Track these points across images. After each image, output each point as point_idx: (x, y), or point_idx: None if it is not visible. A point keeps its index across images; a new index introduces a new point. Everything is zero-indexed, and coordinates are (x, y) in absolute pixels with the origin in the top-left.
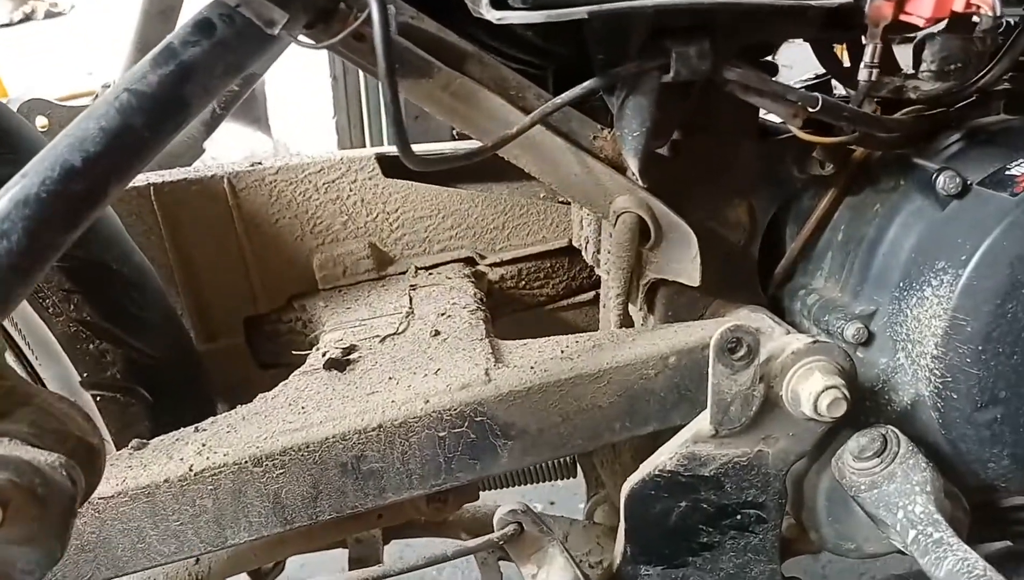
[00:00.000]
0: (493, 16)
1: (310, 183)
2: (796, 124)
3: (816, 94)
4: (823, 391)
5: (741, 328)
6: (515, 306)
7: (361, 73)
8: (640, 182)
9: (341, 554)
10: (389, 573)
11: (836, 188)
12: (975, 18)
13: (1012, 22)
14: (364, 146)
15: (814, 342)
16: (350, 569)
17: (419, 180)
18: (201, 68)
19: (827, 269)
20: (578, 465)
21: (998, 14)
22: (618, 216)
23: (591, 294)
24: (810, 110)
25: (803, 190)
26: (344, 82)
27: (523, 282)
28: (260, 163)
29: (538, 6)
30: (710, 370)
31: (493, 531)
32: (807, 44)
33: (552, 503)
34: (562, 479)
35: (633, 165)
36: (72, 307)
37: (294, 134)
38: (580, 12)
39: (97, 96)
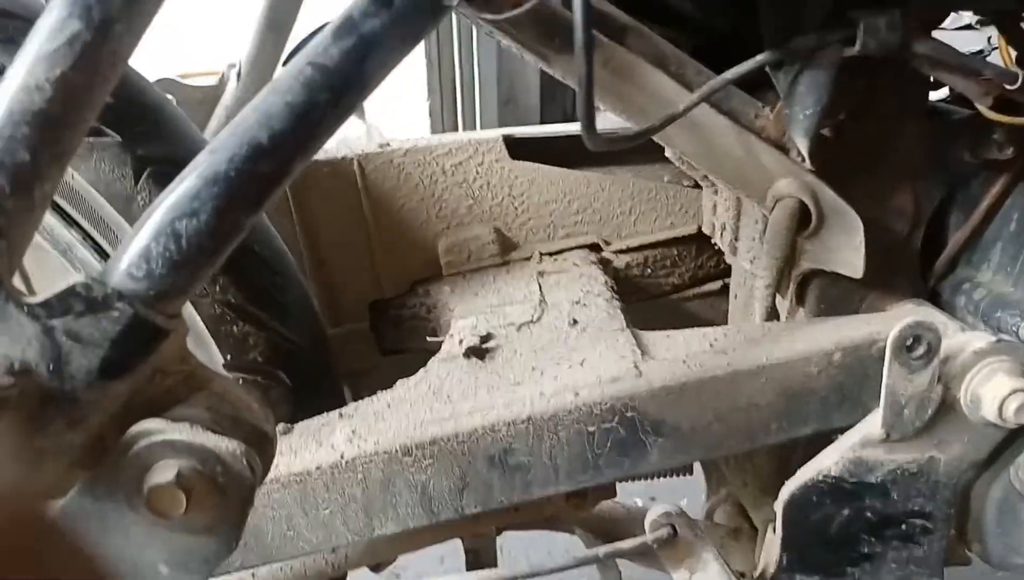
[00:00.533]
0: None
1: (437, 165)
2: (986, 103)
3: (1017, 70)
4: (1010, 395)
5: (922, 324)
6: (640, 295)
7: (456, 55)
8: (807, 164)
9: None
10: (538, 572)
11: (1011, 173)
12: None
13: None
14: (456, 129)
15: (998, 341)
16: (467, 560)
17: (546, 162)
18: (381, 41)
19: (995, 261)
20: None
21: None
22: (777, 201)
23: (718, 284)
24: (1007, 88)
25: (972, 176)
26: (439, 65)
27: (649, 270)
28: (388, 144)
29: None
30: (885, 369)
31: (610, 526)
32: None
33: (652, 499)
34: (678, 475)
35: (803, 146)
36: (218, 289)
37: (387, 116)
38: None
39: (223, 76)
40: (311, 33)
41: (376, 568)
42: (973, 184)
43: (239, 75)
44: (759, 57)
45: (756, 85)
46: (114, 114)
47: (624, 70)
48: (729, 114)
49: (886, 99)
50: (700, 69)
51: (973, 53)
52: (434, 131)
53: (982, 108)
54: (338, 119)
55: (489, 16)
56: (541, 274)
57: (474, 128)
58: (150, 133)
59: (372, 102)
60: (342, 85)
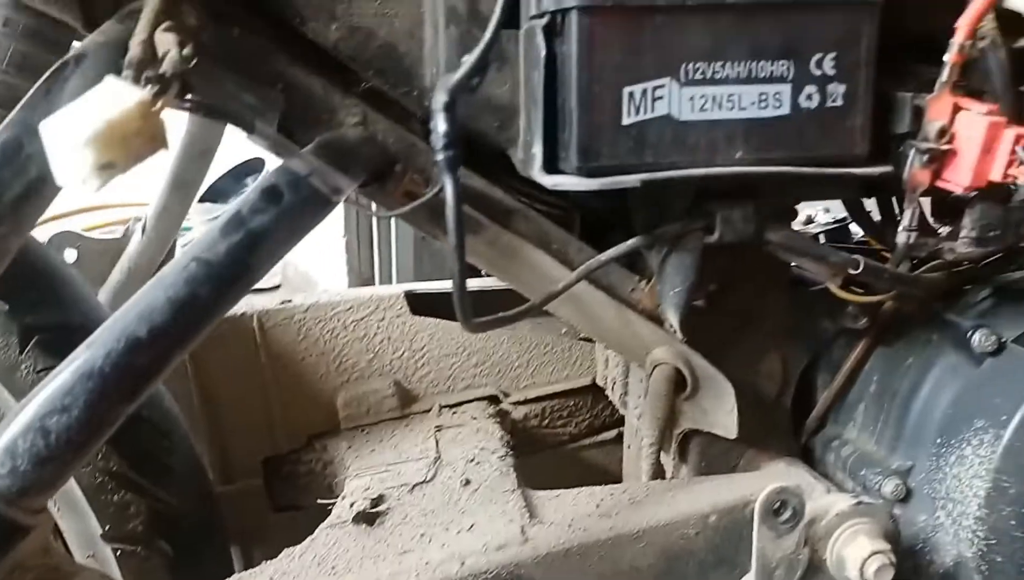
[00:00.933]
0: (547, 181)
1: (339, 321)
2: (836, 283)
3: (857, 257)
4: (870, 557)
5: (787, 490)
6: (538, 445)
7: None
8: (679, 335)
9: None
10: None
11: (868, 340)
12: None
13: None
14: (373, 265)
15: (858, 503)
16: None
17: (447, 317)
18: (268, 235)
19: (860, 421)
20: None
21: None
22: (655, 366)
23: (614, 432)
24: (851, 272)
25: (834, 341)
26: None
27: (547, 420)
28: (290, 300)
29: (593, 173)
30: (755, 533)
31: None
32: None
33: None
34: None
35: (673, 320)
36: (99, 457)
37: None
38: (633, 180)
39: (128, 229)
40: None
41: None
42: (835, 348)
43: (143, 229)
44: (630, 241)
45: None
46: (3, 282)
47: (509, 250)
48: (607, 288)
49: (752, 273)
50: (581, 247)
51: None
52: (350, 267)
53: (832, 287)
54: (220, 312)
55: (381, 213)
56: (439, 429)
57: (389, 264)
58: (40, 300)
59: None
60: (226, 279)
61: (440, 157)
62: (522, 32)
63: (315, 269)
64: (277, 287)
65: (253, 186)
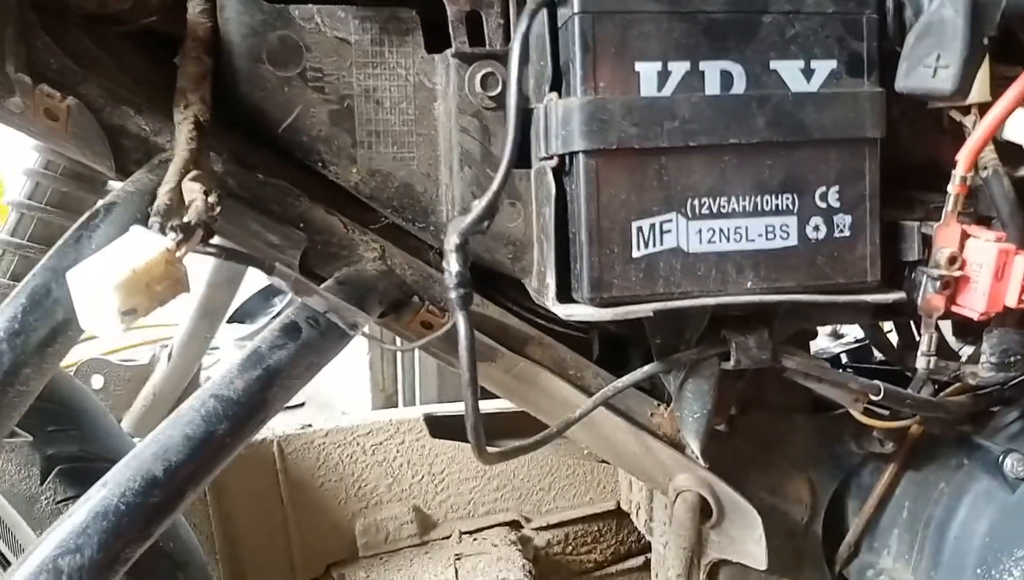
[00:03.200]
0: (561, 311)
1: (358, 445)
2: (858, 409)
3: (877, 383)
4: None
5: None
6: (562, 573)
7: None
8: (701, 461)
9: None
10: None
11: (897, 464)
12: None
13: None
14: (396, 384)
15: None
16: None
17: (467, 440)
18: (285, 371)
19: (894, 548)
20: None
21: None
22: (678, 494)
23: (640, 559)
24: (872, 398)
25: (863, 465)
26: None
27: (570, 547)
28: (310, 425)
29: (605, 304)
30: None
31: None
32: None
33: None
34: None
35: (694, 446)
36: None
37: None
38: (646, 310)
39: (155, 355)
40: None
41: None
42: (864, 473)
43: (169, 355)
44: (647, 367)
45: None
46: (28, 414)
47: (526, 377)
48: (625, 414)
49: (774, 395)
50: (598, 373)
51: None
52: (373, 383)
53: (854, 412)
54: (237, 448)
55: (403, 345)
56: (458, 557)
57: (413, 382)
58: (64, 432)
59: None
60: (243, 416)
61: (453, 295)
62: (533, 171)
63: (339, 387)
64: (301, 405)
65: (273, 322)
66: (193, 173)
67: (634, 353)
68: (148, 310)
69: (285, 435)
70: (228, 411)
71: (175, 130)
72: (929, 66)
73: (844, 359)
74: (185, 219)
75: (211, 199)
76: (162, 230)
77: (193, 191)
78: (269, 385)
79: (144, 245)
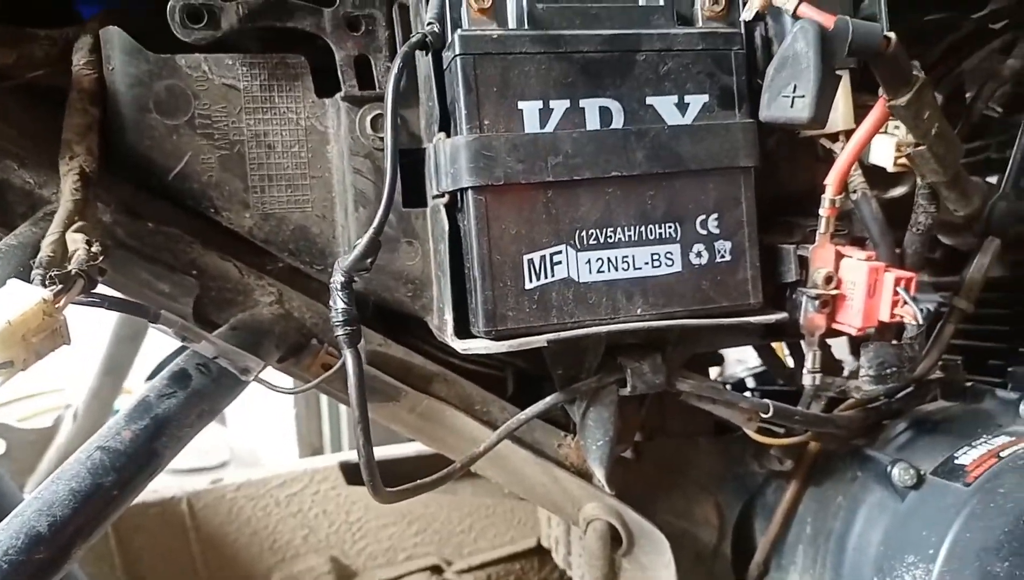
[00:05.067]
0: (459, 346)
1: (271, 497)
2: (751, 427)
3: (767, 401)
4: None
5: None
6: None
7: None
8: (607, 489)
9: None
10: None
11: (797, 481)
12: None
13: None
14: (321, 435)
15: None
16: None
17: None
18: (175, 419)
19: (800, 564)
20: None
21: (921, 323)
22: (588, 523)
23: None
24: (762, 416)
25: (766, 484)
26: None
27: None
28: (221, 479)
29: (501, 337)
30: None
31: None
32: None
33: None
34: None
35: (599, 473)
36: None
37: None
38: (540, 341)
39: (59, 418)
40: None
41: None
42: (768, 492)
43: (75, 416)
44: (549, 399)
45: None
46: None
47: (431, 414)
48: (532, 446)
49: (676, 421)
50: (505, 406)
51: None
52: (298, 430)
53: (749, 432)
54: (126, 501)
55: (295, 387)
56: None
57: (338, 425)
58: None
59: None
60: (131, 468)
61: (339, 333)
62: (428, 209)
63: (264, 442)
64: (224, 464)
65: (162, 374)
66: (77, 224)
67: (546, 387)
68: (27, 363)
69: (195, 491)
70: (115, 463)
71: (60, 182)
72: (787, 96)
73: (751, 383)
74: (66, 269)
75: (94, 249)
76: (43, 281)
77: (76, 241)
78: (158, 435)
79: (20, 298)
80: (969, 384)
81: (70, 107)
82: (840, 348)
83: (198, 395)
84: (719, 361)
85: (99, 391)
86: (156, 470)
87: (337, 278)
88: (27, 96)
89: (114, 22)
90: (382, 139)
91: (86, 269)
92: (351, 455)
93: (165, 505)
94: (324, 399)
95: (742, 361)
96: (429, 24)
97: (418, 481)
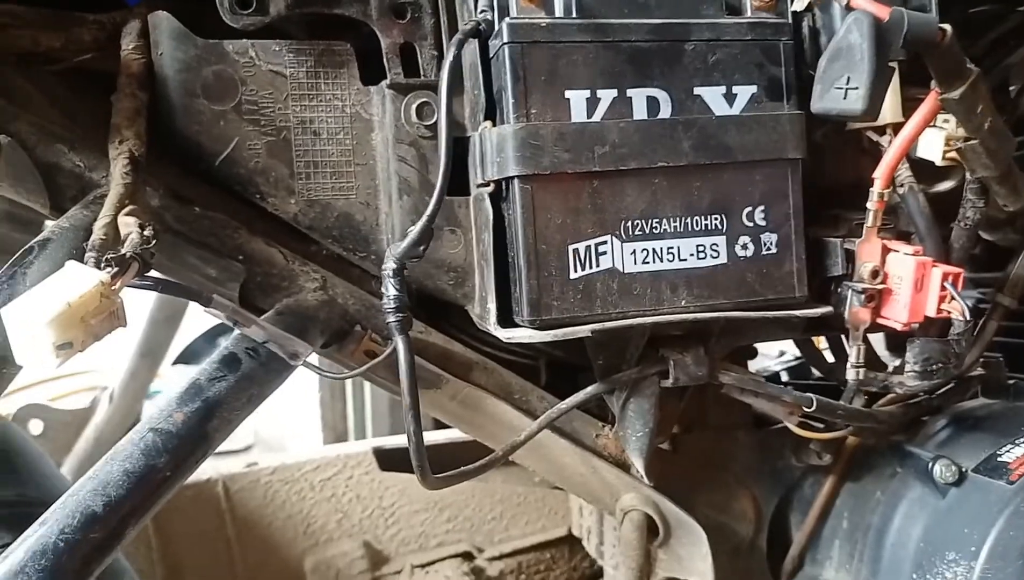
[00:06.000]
0: (502, 335)
1: (306, 482)
2: (792, 421)
3: (810, 395)
4: None
5: None
6: None
7: None
8: (646, 480)
9: None
10: None
11: (835, 476)
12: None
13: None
14: (346, 420)
15: None
16: None
17: None
18: (226, 403)
19: (836, 559)
20: None
21: (968, 319)
22: (625, 514)
23: None
24: (805, 410)
25: (803, 479)
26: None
27: (524, 575)
28: (256, 463)
29: (545, 326)
30: None
31: None
32: None
33: None
34: None
35: (639, 464)
36: None
37: (275, 409)
38: (584, 331)
39: (95, 399)
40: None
41: None
42: (805, 486)
43: (111, 398)
44: (589, 388)
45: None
46: None
47: (471, 402)
48: (571, 436)
49: (717, 413)
50: (544, 396)
51: None
52: (324, 420)
53: (790, 425)
54: (178, 482)
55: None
56: None
57: (362, 412)
58: (5, 477)
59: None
60: (183, 450)
61: (391, 320)
62: (472, 198)
63: (288, 427)
64: (249, 447)
65: (213, 354)
66: (129, 208)
67: (581, 377)
68: (84, 344)
69: (231, 474)
70: (168, 445)
71: (110, 166)
72: (840, 88)
73: (784, 377)
74: (120, 252)
75: (147, 232)
76: (97, 264)
77: (128, 225)
78: (209, 417)
79: (80, 280)
80: (1012, 382)
81: (119, 91)
82: (876, 344)
83: (248, 379)
84: (752, 354)
85: (135, 373)
86: (207, 453)
87: (389, 265)
88: (75, 80)
89: (162, 6)
90: (427, 127)
91: (140, 252)
92: (380, 441)
93: (201, 487)
94: (349, 385)
95: (766, 355)
96: (482, 12)
97: (462, 468)
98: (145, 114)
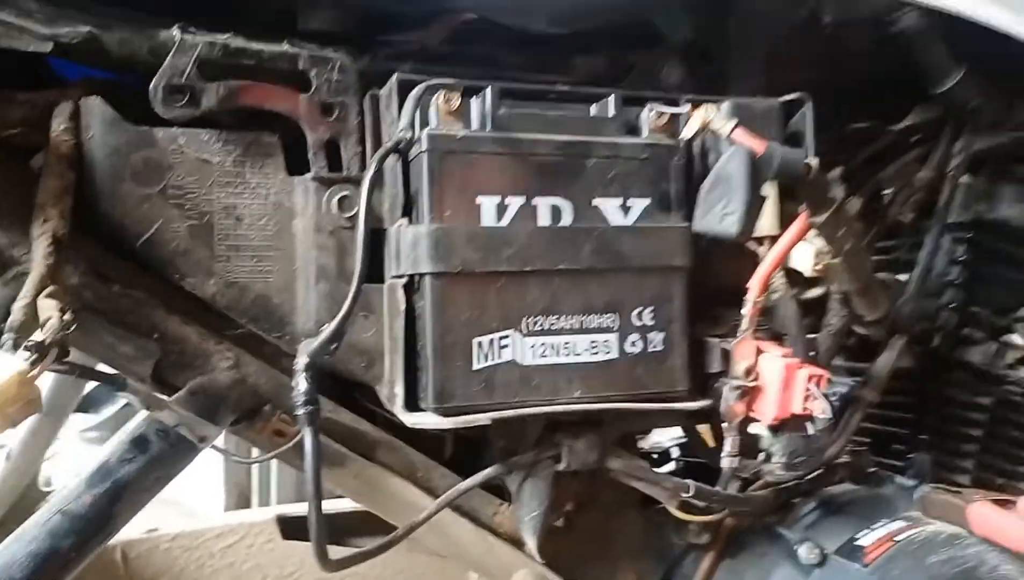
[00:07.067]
0: (408, 420)
1: (205, 549)
2: (673, 504)
3: (688, 481)
4: None
5: None
6: None
7: None
8: (537, 558)
9: None
10: None
11: (713, 554)
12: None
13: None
14: (250, 485)
15: None
16: None
17: None
18: (134, 484)
19: None
20: None
21: (830, 416)
22: None
23: None
24: (683, 495)
25: (684, 556)
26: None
27: None
28: (156, 529)
29: (448, 413)
30: None
31: None
32: None
33: None
34: None
35: (531, 543)
36: None
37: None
38: (484, 419)
39: None
40: None
41: None
42: (685, 563)
43: (8, 456)
44: (487, 470)
45: None
46: None
47: (374, 481)
48: (469, 514)
49: (607, 493)
50: (445, 474)
51: None
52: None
53: (670, 508)
54: (81, 563)
55: (253, 458)
56: None
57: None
58: None
59: None
60: (89, 531)
61: (300, 412)
62: (386, 286)
63: (190, 488)
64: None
65: (123, 437)
66: (49, 289)
67: (486, 451)
68: (1, 431)
69: (129, 540)
70: (75, 526)
71: (32, 244)
72: (718, 212)
73: (675, 452)
74: (40, 338)
75: (66, 317)
76: (15, 347)
77: (48, 309)
78: (117, 499)
79: None
80: (873, 469)
81: (46, 170)
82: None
83: (157, 461)
84: (646, 431)
85: (37, 431)
86: (111, 534)
87: (302, 361)
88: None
89: (95, 90)
90: (347, 218)
91: (59, 338)
92: (283, 508)
93: (100, 554)
94: (255, 448)
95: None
96: (401, 131)
97: (361, 549)
98: (71, 193)
